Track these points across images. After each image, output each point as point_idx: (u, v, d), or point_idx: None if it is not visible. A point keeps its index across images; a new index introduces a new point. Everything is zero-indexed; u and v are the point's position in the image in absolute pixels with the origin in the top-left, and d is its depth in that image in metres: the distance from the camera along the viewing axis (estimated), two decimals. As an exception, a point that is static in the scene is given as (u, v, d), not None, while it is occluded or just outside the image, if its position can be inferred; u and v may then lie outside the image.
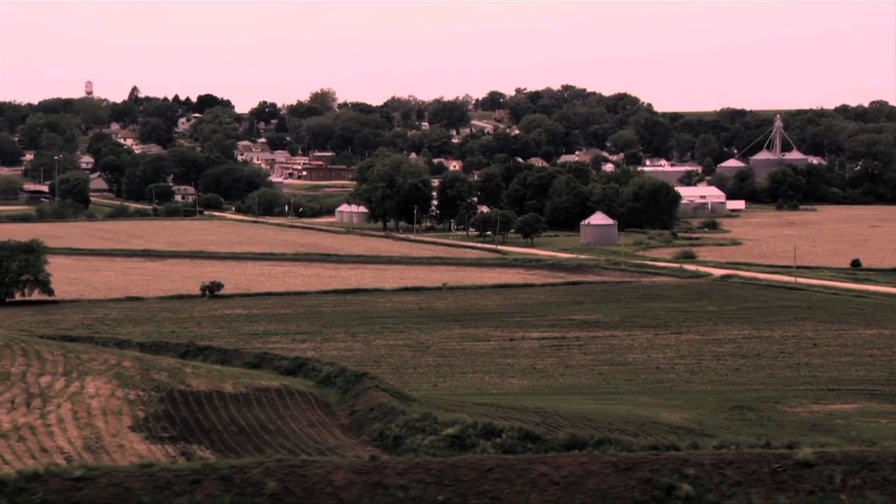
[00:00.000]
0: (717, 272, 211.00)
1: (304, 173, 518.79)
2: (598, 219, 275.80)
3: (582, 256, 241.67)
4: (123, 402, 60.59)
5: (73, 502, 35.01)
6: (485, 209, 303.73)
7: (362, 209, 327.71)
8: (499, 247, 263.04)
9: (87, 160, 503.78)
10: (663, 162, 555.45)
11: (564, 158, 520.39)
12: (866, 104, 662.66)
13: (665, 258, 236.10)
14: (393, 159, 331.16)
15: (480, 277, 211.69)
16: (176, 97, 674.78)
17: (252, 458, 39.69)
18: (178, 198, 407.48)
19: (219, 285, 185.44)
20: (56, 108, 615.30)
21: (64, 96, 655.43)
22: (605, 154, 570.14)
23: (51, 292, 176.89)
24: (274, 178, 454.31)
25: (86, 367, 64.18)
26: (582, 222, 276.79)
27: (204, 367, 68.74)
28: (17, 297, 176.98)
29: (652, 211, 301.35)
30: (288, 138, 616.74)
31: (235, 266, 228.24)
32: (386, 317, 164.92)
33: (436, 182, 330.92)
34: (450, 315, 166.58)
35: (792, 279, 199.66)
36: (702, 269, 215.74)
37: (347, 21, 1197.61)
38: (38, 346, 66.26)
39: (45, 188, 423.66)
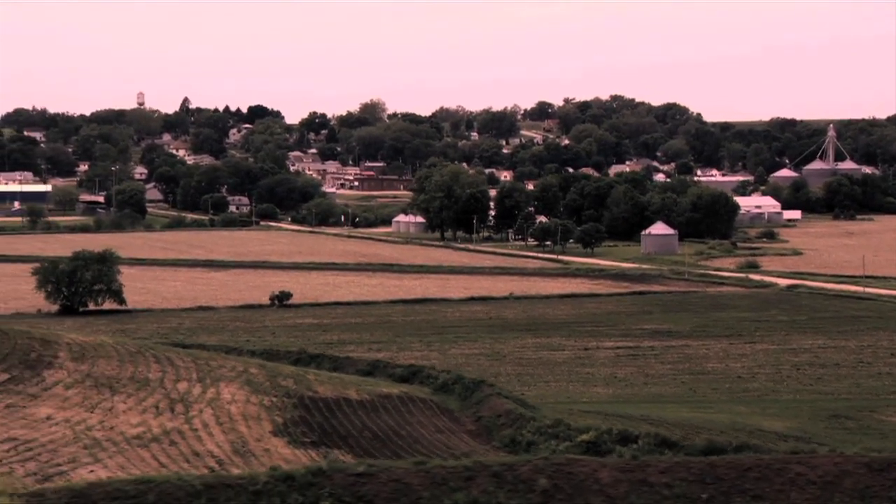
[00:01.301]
0: (783, 282, 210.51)
1: (356, 184, 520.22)
2: (659, 228, 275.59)
3: (644, 266, 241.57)
4: (260, 408, 61.42)
5: (358, 496, 35.80)
6: (542, 219, 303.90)
7: (419, 219, 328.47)
8: (559, 256, 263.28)
9: (140, 171, 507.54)
10: (714, 172, 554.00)
11: (615, 168, 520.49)
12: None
13: (728, 268, 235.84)
14: (451, 170, 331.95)
15: (545, 287, 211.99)
16: (227, 108, 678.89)
17: (520, 457, 40.39)
18: (232, 208, 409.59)
19: (287, 295, 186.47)
20: (109, 119, 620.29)
21: (116, 107, 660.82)
22: (655, 164, 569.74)
23: (123, 301, 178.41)
24: (326, 189, 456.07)
25: (216, 373, 65.02)
26: (643, 232, 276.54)
27: (325, 374, 69.56)
28: (91, 306, 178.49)
29: (710, 221, 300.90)
30: (338, 149, 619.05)
31: (299, 276, 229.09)
32: (457, 326, 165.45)
33: (492, 192, 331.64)
34: (520, 325, 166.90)
35: (860, 289, 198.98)
36: (766, 278, 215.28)
37: (394, 32, 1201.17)
38: (168, 353, 67.24)
39: (101, 199, 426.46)
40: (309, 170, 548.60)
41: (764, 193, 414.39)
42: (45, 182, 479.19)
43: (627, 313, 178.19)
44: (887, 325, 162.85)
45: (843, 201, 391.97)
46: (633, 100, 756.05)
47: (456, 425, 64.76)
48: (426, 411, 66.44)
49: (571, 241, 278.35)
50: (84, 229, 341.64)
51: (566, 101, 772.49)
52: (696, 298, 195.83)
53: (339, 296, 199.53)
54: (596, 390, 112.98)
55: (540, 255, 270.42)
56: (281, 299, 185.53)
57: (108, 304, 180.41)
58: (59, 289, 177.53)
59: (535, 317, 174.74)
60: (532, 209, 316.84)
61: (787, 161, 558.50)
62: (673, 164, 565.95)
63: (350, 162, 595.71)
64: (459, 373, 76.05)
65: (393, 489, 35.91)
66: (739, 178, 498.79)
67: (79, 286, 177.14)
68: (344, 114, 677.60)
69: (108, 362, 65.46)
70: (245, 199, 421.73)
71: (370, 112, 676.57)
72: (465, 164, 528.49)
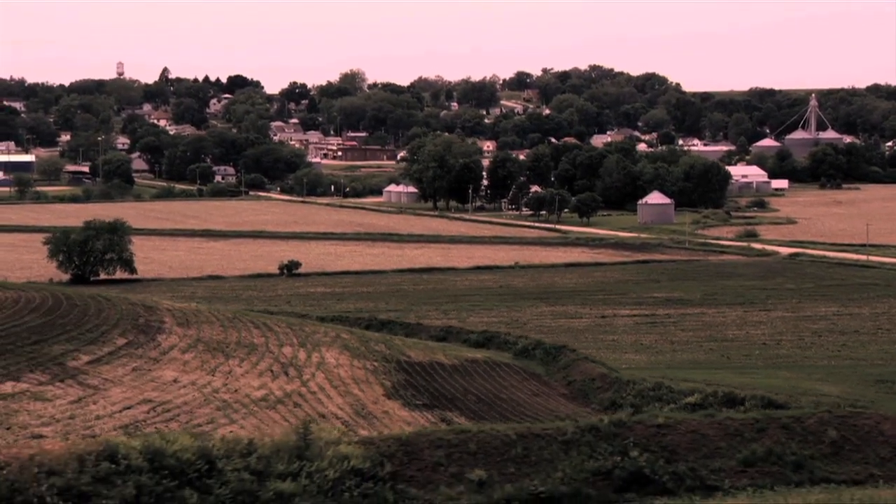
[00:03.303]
0: (784, 251, 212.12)
1: (340, 154, 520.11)
2: (656, 198, 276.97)
3: (643, 235, 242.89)
4: (366, 372, 62.20)
5: (661, 446, 36.68)
6: (535, 189, 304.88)
7: (411, 189, 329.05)
8: (556, 226, 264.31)
9: (122, 141, 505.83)
10: (696, 141, 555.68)
11: (597, 138, 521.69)
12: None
13: (726, 237, 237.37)
14: (444, 140, 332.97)
15: (547, 256, 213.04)
16: (206, 78, 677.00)
17: (804, 410, 41.46)
18: (218, 178, 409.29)
19: (297, 264, 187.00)
20: (89, 89, 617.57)
21: (95, 77, 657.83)
22: (637, 134, 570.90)
23: (134, 271, 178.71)
24: (310, 159, 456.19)
25: (314, 338, 65.79)
26: (639, 201, 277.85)
27: (409, 340, 70.45)
28: (102, 275, 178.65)
29: (703, 190, 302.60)
30: (319, 119, 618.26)
31: (300, 245, 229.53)
32: (469, 295, 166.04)
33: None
34: (531, 293, 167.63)
35: (862, 257, 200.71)
36: (767, 247, 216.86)
37: (370, 1, 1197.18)
38: (264, 319, 67.91)
39: (86, 169, 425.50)
40: (291, 140, 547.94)
41: (749, 163, 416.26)
42: (27, 152, 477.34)
43: (635, 281, 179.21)
44: (895, 292, 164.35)
45: (829, 171, 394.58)
46: (612, 70, 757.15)
47: (548, 389, 65.75)
48: (515, 375, 67.38)
49: (566, 210, 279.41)
50: (73, 199, 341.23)
51: (545, 71, 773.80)
52: (700, 267, 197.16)
53: (345, 265, 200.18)
54: (628, 356, 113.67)
55: (536, 224, 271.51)
56: (290, 269, 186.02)
57: (119, 274, 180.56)
58: (70, 258, 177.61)
59: (544, 285, 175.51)
60: (524, 179, 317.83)
61: (767, 131, 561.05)
62: (655, 134, 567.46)
63: (332, 132, 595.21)
64: (539, 338, 76.91)
65: (692, 439, 36.93)
66: (722, 147, 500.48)
67: (90, 255, 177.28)
68: (324, 84, 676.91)
69: (212, 327, 66.18)
70: (230, 170, 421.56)
71: (350, 82, 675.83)
72: (446, 134, 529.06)
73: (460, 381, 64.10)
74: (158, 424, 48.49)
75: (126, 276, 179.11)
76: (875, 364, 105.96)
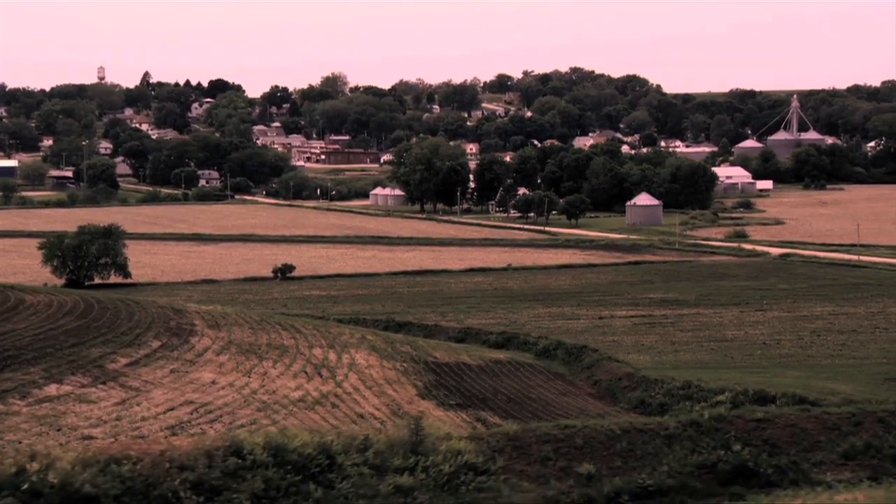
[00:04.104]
0: (774, 251, 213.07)
1: (323, 157, 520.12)
2: (644, 199, 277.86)
3: (633, 237, 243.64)
4: (397, 373, 62.58)
5: (762, 440, 37.17)
6: (523, 191, 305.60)
7: (398, 192, 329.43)
8: (545, 228, 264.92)
9: (105, 145, 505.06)
10: (678, 143, 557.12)
11: (579, 140, 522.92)
12: (878, 84, 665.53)
13: (715, 237, 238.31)
14: (430, 142, 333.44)
15: (539, 258, 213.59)
16: (187, 82, 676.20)
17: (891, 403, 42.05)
18: (202, 182, 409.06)
19: (290, 267, 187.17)
20: (70, 93, 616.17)
21: (76, 82, 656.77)
22: (619, 136, 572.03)
23: (128, 275, 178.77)
24: (293, 163, 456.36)
25: (341, 340, 66.16)
26: (628, 203, 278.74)
27: (432, 341, 70.88)
28: (97, 280, 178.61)
29: (690, 191, 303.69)
30: (302, 122, 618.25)
31: (290, 249, 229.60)
32: (465, 297, 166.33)
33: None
34: (526, 295, 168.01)
35: (853, 257, 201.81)
36: (758, 248, 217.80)
37: (354, 4, 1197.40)
38: (291, 321, 68.26)
39: (70, 174, 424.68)
40: (274, 143, 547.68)
41: (732, 164, 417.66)
42: (9, 157, 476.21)
43: (629, 283, 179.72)
44: (889, 292, 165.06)
45: (812, 171, 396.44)
46: (592, 72, 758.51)
47: (575, 388, 66.24)
48: (539, 375, 67.85)
49: (554, 212, 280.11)
50: (59, 204, 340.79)
51: (525, 73, 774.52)
52: (692, 268, 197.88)
53: (338, 268, 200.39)
54: (632, 357, 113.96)
55: (525, 226, 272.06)
56: (284, 272, 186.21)
57: (113, 279, 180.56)
58: (65, 263, 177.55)
59: (538, 287, 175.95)
60: (511, 181, 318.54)
61: (749, 132, 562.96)
62: (637, 136, 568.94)
63: (314, 135, 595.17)
64: (559, 339, 77.32)
65: (791, 433, 37.43)
66: (704, 148, 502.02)
67: (84, 260, 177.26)
68: (305, 87, 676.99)
69: (242, 330, 66.52)
70: (215, 174, 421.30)
71: (332, 85, 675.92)
72: (433, 137, 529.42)
73: (488, 381, 64.50)
74: (203, 425, 48.87)
75: (120, 280, 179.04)
76: (879, 363, 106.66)
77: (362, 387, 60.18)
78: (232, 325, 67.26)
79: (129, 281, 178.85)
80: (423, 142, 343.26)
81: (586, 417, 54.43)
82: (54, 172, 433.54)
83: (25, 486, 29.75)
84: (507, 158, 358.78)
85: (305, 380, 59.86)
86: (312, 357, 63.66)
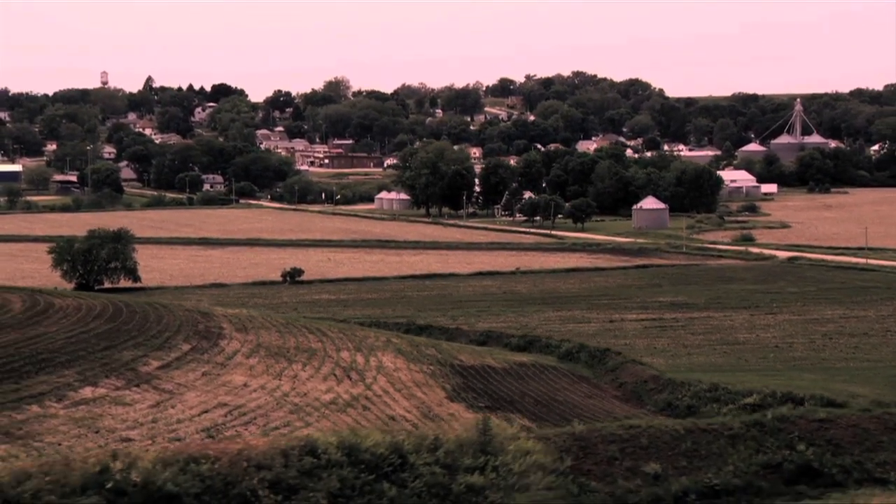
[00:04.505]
0: (782, 254, 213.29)
1: (327, 161, 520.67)
2: (650, 203, 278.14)
3: (640, 240, 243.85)
4: (425, 376, 62.82)
5: (826, 440, 37.53)
6: (528, 195, 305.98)
7: (403, 196, 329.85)
8: (552, 231, 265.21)
9: (108, 150, 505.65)
10: (681, 146, 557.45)
11: (583, 144, 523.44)
12: (880, 87, 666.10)
13: (722, 241, 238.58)
14: (436, 146, 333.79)
15: (546, 262, 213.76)
16: (190, 86, 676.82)
17: None
18: (207, 187, 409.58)
19: (299, 271, 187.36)
20: (73, 98, 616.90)
21: (79, 87, 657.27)
22: (622, 140, 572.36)
23: (138, 279, 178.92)
24: (297, 167, 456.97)
25: (367, 342, 66.43)
26: (634, 207, 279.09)
27: (456, 345, 71.12)
28: (106, 284, 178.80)
29: (695, 195, 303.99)
30: (305, 126, 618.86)
31: (298, 253, 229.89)
32: (475, 300, 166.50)
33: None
34: (536, 298, 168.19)
35: (861, 261, 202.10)
36: (765, 251, 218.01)
37: (353, 8, 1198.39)
38: (317, 324, 68.50)
39: (74, 178, 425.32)
40: (277, 148, 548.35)
41: (736, 168, 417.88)
42: (13, 162, 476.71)
43: (638, 286, 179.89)
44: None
45: (816, 175, 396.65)
46: (594, 76, 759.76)
47: (600, 391, 66.47)
48: (564, 378, 68.09)
49: (560, 216, 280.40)
50: (64, 209, 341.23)
51: (528, 77, 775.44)
52: (700, 271, 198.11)
53: (346, 272, 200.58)
54: (646, 360, 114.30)
55: (531, 230, 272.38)
56: (293, 276, 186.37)
57: (123, 283, 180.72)
58: (74, 267, 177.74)
59: (547, 291, 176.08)
60: (515, 185, 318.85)
61: (752, 136, 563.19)
62: (640, 140, 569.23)
63: (317, 140, 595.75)
64: (581, 341, 77.58)
65: (853, 433, 37.76)
66: (708, 152, 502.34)
67: (94, 264, 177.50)
68: (308, 91, 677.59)
69: (269, 333, 66.82)
70: (219, 178, 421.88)
71: (334, 90, 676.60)
72: (438, 141, 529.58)
73: (514, 384, 64.75)
74: (238, 427, 49.13)
75: (130, 284, 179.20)
76: (893, 365, 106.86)
77: (391, 389, 60.43)
78: (259, 329, 67.55)
79: (138, 285, 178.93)
80: (429, 146, 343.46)
81: (650, 418, 54.89)
82: (58, 177, 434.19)
83: (110, 485, 30.20)
84: (512, 162, 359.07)
85: (335, 382, 60.10)
86: (340, 360, 63.91)
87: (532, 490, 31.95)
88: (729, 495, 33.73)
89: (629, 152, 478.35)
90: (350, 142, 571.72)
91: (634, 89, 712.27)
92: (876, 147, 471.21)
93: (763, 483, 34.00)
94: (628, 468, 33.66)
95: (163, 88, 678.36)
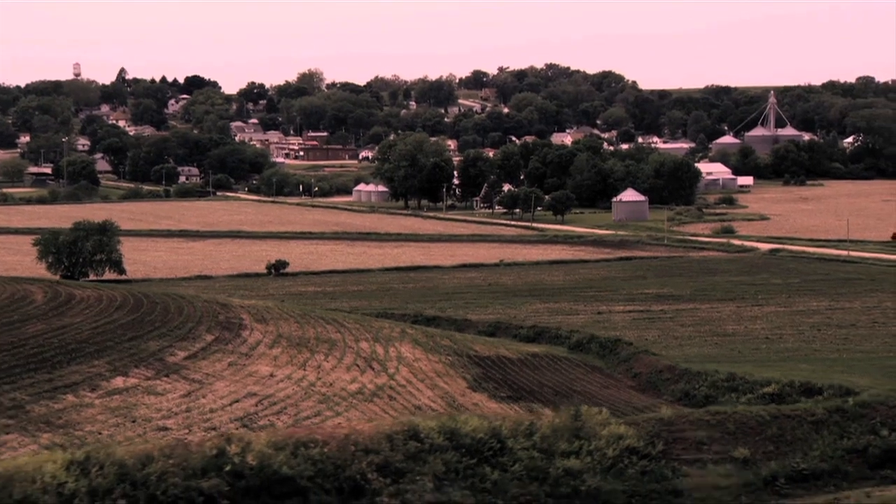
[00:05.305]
0: (763, 246, 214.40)
1: (301, 153, 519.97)
2: (630, 195, 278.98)
3: (621, 233, 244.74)
4: (445, 366, 63.17)
5: None
6: (507, 187, 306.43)
7: (381, 188, 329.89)
8: (533, 224, 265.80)
9: (82, 142, 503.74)
10: (655, 139, 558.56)
11: (557, 136, 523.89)
12: (853, 80, 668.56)
13: (703, 233, 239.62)
14: (414, 139, 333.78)
15: (528, 254, 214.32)
16: (163, 78, 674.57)
17: None
18: (182, 179, 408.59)
19: (284, 263, 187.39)
20: (46, 90, 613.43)
21: (52, 78, 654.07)
22: (596, 132, 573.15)
23: (123, 272, 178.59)
24: (273, 159, 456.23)
25: (383, 333, 66.75)
26: (614, 199, 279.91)
27: (468, 336, 71.50)
28: (92, 276, 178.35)
29: (673, 187, 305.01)
30: (279, 119, 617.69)
31: (280, 245, 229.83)
32: (461, 292, 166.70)
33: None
34: (521, 290, 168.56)
35: (841, 253, 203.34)
36: (746, 243, 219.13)
37: (328, 0, 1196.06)
38: (332, 315, 68.76)
39: (49, 170, 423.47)
40: (251, 140, 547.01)
41: (711, 160, 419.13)
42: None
43: (622, 278, 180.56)
44: (881, 286, 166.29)
45: (791, 167, 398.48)
46: (568, 68, 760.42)
47: (615, 381, 66.96)
48: (578, 368, 68.56)
49: (540, 208, 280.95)
50: (41, 201, 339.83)
51: (501, 69, 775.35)
52: (683, 263, 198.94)
53: (330, 264, 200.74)
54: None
55: (511, 222, 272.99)
56: (278, 268, 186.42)
57: (107, 275, 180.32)
58: (59, 259, 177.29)
59: (532, 283, 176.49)
60: (494, 177, 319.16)
61: (726, 128, 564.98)
62: (614, 132, 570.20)
63: (292, 132, 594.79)
64: (592, 332, 78.02)
65: None
66: (683, 144, 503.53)
67: (79, 256, 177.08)
68: (282, 83, 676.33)
69: (289, 324, 67.08)
70: (195, 170, 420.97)
71: (308, 82, 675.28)
72: (416, 133, 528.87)
73: (531, 374, 65.21)
74: (270, 417, 49.54)
75: (115, 276, 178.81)
76: (885, 356, 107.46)
77: (414, 379, 60.87)
78: (278, 320, 67.86)
79: (124, 277, 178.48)
80: (407, 138, 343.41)
81: (735, 404, 55.08)
82: (33, 169, 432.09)
83: (228, 468, 30.99)
84: (491, 154, 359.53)
85: (359, 373, 60.46)
86: (360, 350, 64.27)
87: (628, 473, 32.53)
88: (816, 479, 34.38)
89: (605, 145, 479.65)
90: (324, 134, 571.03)
91: (608, 81, 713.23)
92: (849, 139, 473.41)
93: (849, 468, 34.62)
94: (717, 452, 34.27)
95: (136, 80, 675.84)
